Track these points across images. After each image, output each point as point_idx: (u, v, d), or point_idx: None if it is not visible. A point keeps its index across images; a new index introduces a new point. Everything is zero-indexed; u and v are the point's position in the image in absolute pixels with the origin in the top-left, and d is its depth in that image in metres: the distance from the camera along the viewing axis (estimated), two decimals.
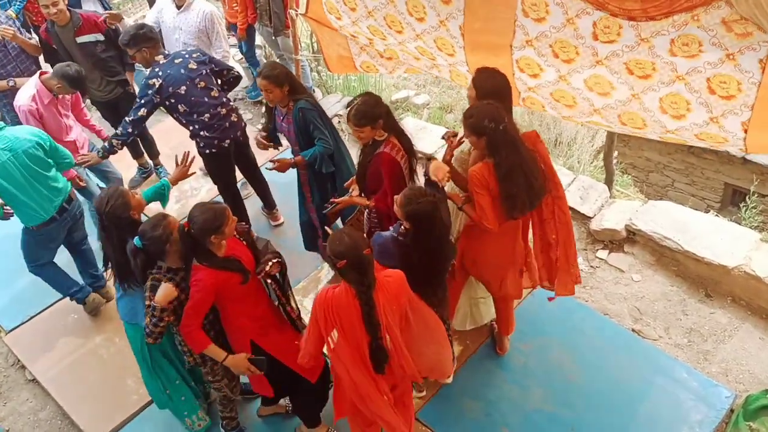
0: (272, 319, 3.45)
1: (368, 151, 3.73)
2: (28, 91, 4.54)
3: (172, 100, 4.49)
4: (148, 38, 4.48)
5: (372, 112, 3.55)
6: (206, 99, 4.58)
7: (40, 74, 4.63)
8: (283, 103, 4.16)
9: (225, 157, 4.88)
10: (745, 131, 3.15)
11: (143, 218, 3.69)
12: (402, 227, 3.23)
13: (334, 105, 6.82)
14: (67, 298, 4.93)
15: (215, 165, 4.94)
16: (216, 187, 5.22)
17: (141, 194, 3.72)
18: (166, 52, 4.62)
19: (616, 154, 5.53)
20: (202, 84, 4.56)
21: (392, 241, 3.27)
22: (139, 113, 4.48)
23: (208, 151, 4.79)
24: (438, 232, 3.17)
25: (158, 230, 3.11)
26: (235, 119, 4.79)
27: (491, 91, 3.48)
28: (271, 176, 4.83)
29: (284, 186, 5.31)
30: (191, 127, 4.66)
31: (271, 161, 4.24)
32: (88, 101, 5.67)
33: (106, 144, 4.64)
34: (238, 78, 4.90)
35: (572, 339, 4.39)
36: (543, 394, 4.09)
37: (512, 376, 4.21)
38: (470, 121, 3.29)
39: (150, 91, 4.42)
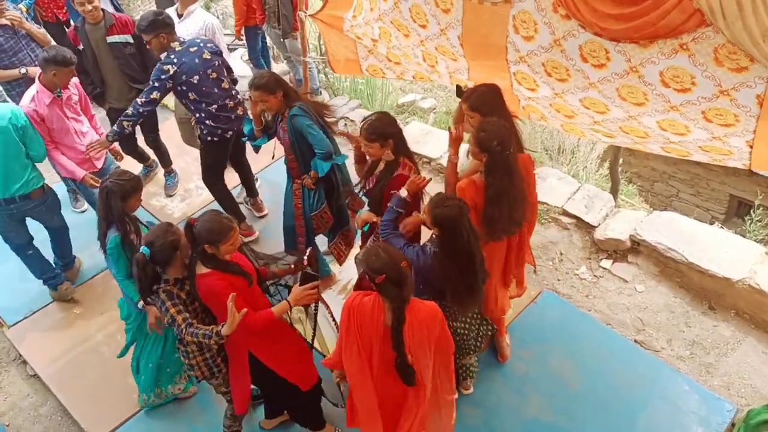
0: (270, 329, 3.42)
1: (385, 172, 3.75)
2: (29, 92, 4.53)
3: (184, 88, 4.59)
4: (165, 24, 4.53)
5: (384, 131, 3.59)
6: (216, 90, 4.68)
7: (39, 74, 4.56)
8: (280, 110, 4.14)
9: (224, 147, 4.96)
10: (750, 147, 3.13)
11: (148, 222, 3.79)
12: (432, 236, 3.29)
13: (342, 107, 6.83)
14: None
15: (213, 153, 5.01)
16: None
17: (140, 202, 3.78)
18: (182, 39, 4.67)
19: (621, 163, 5.52)
20: (214, 75, 4.66)
21: (432, 258, 3.26)
22: (152, 96, 4.54)
23: (209, 139, 4.87)
24: (466, 236, 3.16)
25: (168, 236, 3.12)
26: (241, 112, 4.87)
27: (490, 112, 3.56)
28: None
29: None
30: (197, 114, 4.74)
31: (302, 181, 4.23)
32: (103, 112, 5.63)
33: (115, 127, 4.69)
34: (234, 82, 4.94)
35: (574, 348, 4.37)
36: (543, 403, 4.08)
37: (512, 383, 4.20)
38: (481, 136, 3.37)
39: (164, 76, 4.50)
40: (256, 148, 4.59)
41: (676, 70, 2.89)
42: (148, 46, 4.79)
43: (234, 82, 4.93)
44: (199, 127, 4.85)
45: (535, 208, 3.81)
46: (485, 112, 3.59)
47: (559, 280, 4.94)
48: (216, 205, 5.36)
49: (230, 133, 4.86)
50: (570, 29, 3.10)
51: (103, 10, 5.09)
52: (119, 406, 4.27)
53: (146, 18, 4.53)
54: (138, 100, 4.60)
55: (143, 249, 3.14)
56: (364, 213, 3.95)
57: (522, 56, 3.50)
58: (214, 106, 4.70)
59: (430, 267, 3.25)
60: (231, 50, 8.32)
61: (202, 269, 3.12)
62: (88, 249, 5.41)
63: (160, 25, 4.52)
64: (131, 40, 5.12)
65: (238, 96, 4.89)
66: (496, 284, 3.88)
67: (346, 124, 6.59)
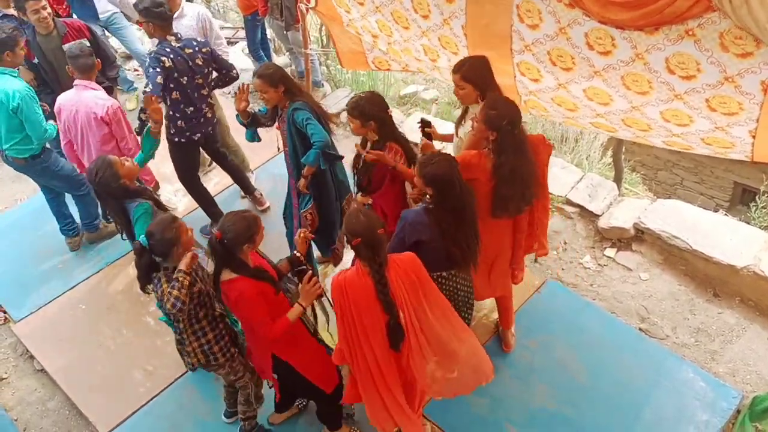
0: (294, 331, 3.42)
1: (373, 148, 3.80)
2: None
3: (171, 85, 4.56)
4: (159, 16, 4.48)
5: (366, 110, 3.62)
6: (197, 95, 4.69)
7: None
8: (280, 104, 4.12)
9: (192, 148, 4.97)
10: (753, 137, 3.12)
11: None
12: (427, 196, 3.30)
13: (343, 99, 6.80)
14: (73, 290, 5.08)
15: (180, 154, 5.02)
16: (223, 181, 5.25)
17: (132, 162, 3.84)
18: (179, 36, 4.63)
19: (624, 151, 5.50)
20: (200, 81, 4.66)
21: (424, 213, 3.31)
22: (157, 80, 4.50)
23: (176, 140, 4.87)
24: (459, 191, 3.19)
25: (168, 233, 3.14)
26: (210, 115, 4.88)
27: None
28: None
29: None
30: (171, 112, 4.72)
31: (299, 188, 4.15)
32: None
33: (139, 121, 4.74)
34: (235, 79, 4.91)
35: (578, 337, 4.38)
36: (548, 392, 4.09)
37: (517, 373, 4.21)
38: (491, 114, 3.33)
39: (160, 65, 4.45)
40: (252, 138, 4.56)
41: (682, 56, 2.87)
42: (138, 26, 4.78)
43: (233, 79, 4.90)
44: (168, 125, 4.81)
45: (547, 191, 3.77)
46: (478, 83, 3.60)
47: (563, 269, 4.94)
48: (217, 199, 5.39)
49: (198, 135, 4.85)
50: (575, 17, 3.09)
51: (53, 18, 5.00)
52: (126, 399, 4.30)
53: (146, 1, 4.49)
54: (146, 90, 4.55)
55: (141, 239, 3.19)
56: (359, 196, 3.98)
57: (527, 45, 3.49)
58: (191, 108, 4.72)
59: (428, 224, 3.27)
60: (232, 43, 8.31)
61: (228, 275, 3.10)
62: (92, 246, 5.46)
63: (152, 15, 4.47)
64: (88, 44, 4.95)
65: (212, 100, 4.92)
66: (500, 265, 3.87)
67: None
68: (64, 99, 4.53)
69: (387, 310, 2.95)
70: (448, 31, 3.88)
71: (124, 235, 3.88)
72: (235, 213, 3.16)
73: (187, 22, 5.29)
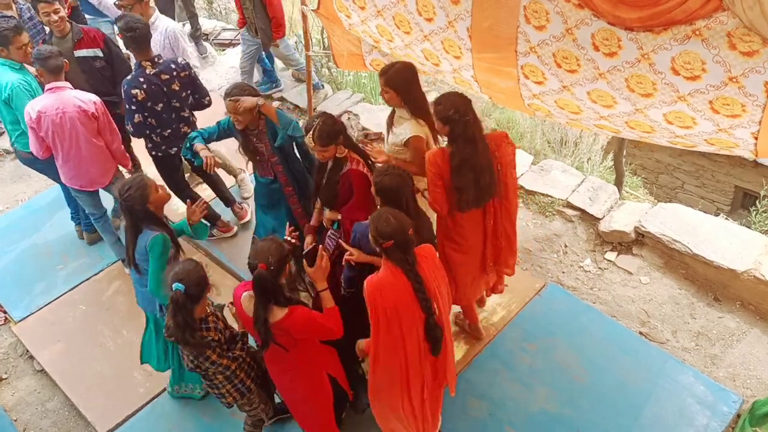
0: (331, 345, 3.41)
1: (335, 170, 3.78)
2: None
3: (146, 114, 4.55)
4: (133, 41, 4.42)
5: (334, 130, 3.63)
6: (174, 116, 4.69)
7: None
8: (253, 124, 4.07)
9: (170, 161, 4.94)
10: (756, 138, 3.12)
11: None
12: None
13: (344, 102, 6.82)
14: (73, 291, 5.09)
15: (161, 167, 5.03)
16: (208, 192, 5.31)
17: (163, 189, 3.65)
18: (156, 59, 4.53)
19: (625, 154, 5.50)
20: (177, 105, 4.65)
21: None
22: (135, 120, 4.54)
23: (154, 153, 4.89)
24: (404, 206, 3.22)
25: (199, 272, 3.03)
26: (187, 130, 4.78)
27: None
28: None
29: None
30: (147, 131, 4.68)
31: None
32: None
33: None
34: (206, 106, 4.91)
35: (579, 340, 4.38)
36: (548, 395, 4.08)
37: (518, 376, 4.20)
38: (438, 108, 3.51)
39: (134, 100, 4.45)
40: (197, 166, 4.40)
41: (689, 56, 2.87)
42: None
43: (206, 106, 4.89)
44: (145, 140, 4.80)
45: (513, 195, 3.78)
46: (401, 87, 3.82)
47: (563, 272, 4.94)
48: (216, 203, 5.39)
49: (174, 150, 4.84)
50: (583, 18, 3.09)
51: (70, 22, 5.01)
52: (126, 399, 4.30)
53: (121, 22, 4.47)
54: (128, 128, 4.61)
55: (177, 286, 2.97)
56: (328, 212, 3.95)
57: (532, 46, 3.49)
58: (168, 130, 4.72)
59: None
60: (233, 46, 8.33)
61: (280, 312, 3.01)
62: (92, 247, 5.47)
63: (126, 39, 4.43)
64: (100, 54, 5.02)
65: (192, 118, 4.88)
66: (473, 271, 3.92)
67: (349, 117, 6.59)
68: (43, 104, 4.35)
69: (425, 309, 2.95)
70: (452, 34, 3.88)
71: (126, 259, 3.69)
72: (269, 241, 3.04)
73: (156, 37, 5.22)
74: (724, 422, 3.87)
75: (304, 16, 5.51)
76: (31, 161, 4.88)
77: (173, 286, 2.97)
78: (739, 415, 3.92)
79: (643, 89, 3.20)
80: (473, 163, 3.47)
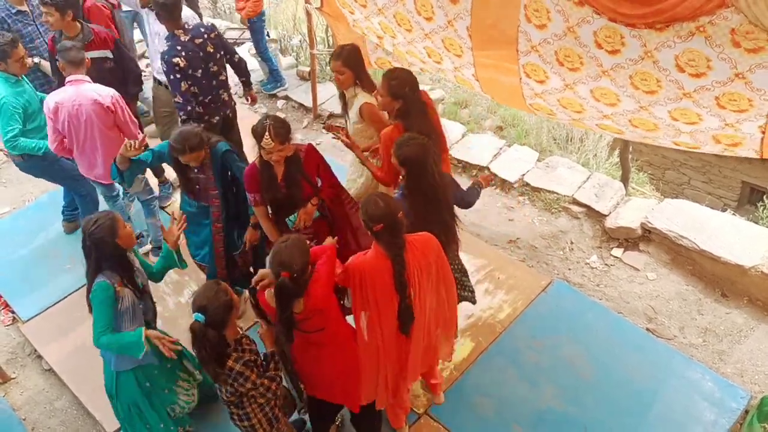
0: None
1: (293, 165, 3.70)
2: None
3: (189, 82, 4.57)
4: (165, 8, 4.51)
5: (287, 126, 3.60)
6: (214, 83, 4.69)
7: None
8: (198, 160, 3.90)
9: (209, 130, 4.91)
10: (763, 132, 3.10)
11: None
12: (401, 178, 3.47)
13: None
14: (80, 291, 4.97)
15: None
16: None
17: (132, 227, 3.50)
18: (188, 26, 4.62)
19: (631, 150, 5.48)
20: (215, 69, 4.65)
21: (402, 200, 3.41)
22: (182, 88, 4.54)
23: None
24: (431, 171, 3.33)
25: (220, 297, 2.91)
26: (227, 98, 4.87)
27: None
28: None
29: None
30: (187, 104, 4.65)
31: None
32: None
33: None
34: (240, 64, 4.95)
35: (585, 337, 4.36)
36: (555, 393, 4.08)
37: (524, 373, 4.20)
38: (393, 84, 3.72)
39: (177, 68, 4.49)
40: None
41: (692, 53, 2.86)
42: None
43: (235, 64, 4.93)
44: (181, 113, 4.74)
45: (445, 140, 4.10)
46: (356, 66, 4.07)
47: (569, 269, 4.93)
48: None
49: (216, 119, 4.86)
50: (584, 15, 3.07)
51: (81, 24, 5.03)
52: None
53: None
54: (175, 100, 4.63)
55: (196, 317, 2.86)
56: (302, 210, 3.82)
57: (534, 45, 3.47)
58: (209, 97, 4.72)
59: (405, 210, 3.31)
60: (238, 45, 8.34)
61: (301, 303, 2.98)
62: None
63: (159, 6, 4.51)
64: (110, 55, 5.03)
65: (228, 82, 4.91)
66: None
67: None
68: (61, 96, 4.41)
69: (400, 291, 3.02)
70: (452, 33, 3.87)
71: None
72: (287, 242, 2.95)
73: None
74: (732, 418, 3.86)
75: (308, 15, 5.52)
76: (23, 165, 4.92)
77: (193, 316, 2.86)
78: (747, 411, 3.90)
79: (647, 86, 3.18)
80: (428, 129, 3.72)
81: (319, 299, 2.97)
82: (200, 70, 4.58)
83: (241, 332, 3.15)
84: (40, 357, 4.76)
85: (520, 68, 3.73)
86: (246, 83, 5.17)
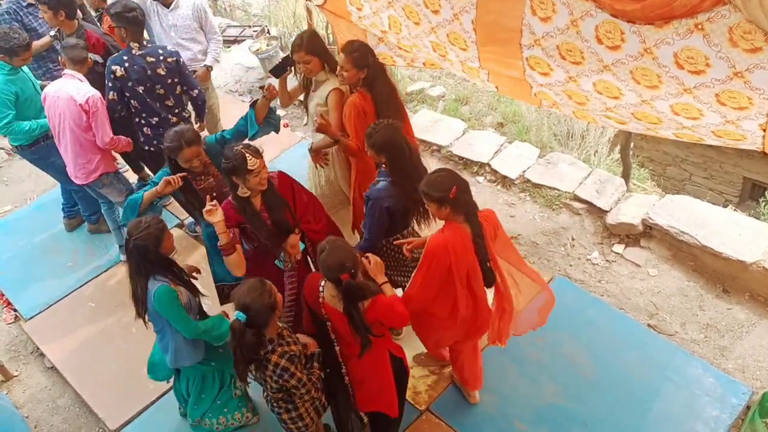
0: None
1: (270, 194, 3.55)
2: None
3: (127, 94, 4.60)
4: (130, 21, 4.51)
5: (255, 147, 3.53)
6: (158, 105, 4.70)
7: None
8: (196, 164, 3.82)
9: (162, 158, 4.86)
10: (764, 130, 3.10)
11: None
12: (382, 166, 3.61)
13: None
14: (82, 288, 5.15)
15: (153, 163, 5.02)
16: None
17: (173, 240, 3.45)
18: (145, 43, 4.63)
19: (632, 147, 5.47)
20: (162, 91, 4.66)
21: (389, 185, 3.56)
22: (110, 97, 4.60)
23: (146, 148, 4.91)
24: (406, 149, 3.52)
25: (264, 298, 2.86)
26: (177, 123, 4.75)
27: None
28: None
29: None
30: (137, 120, 4.75)
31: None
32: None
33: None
34: (196, 101, 4.90)
35: (587, 333, 4.37)
36: (556, 389, 4.08)
37: (526, 369, 4.20)
38: (355, 56, 3.91)
39: (112, 76, 4.52)
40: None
41: (691, 51, 2.85)
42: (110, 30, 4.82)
43: (194, 99, 4.89)
44: (138, 133, 4.84)
45: (404, 108, 4.35)
46: (321, 52, 4.12)
47: (571, 265, 4.93)
48: None
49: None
50: (587, 9, 3.07)
51: (79, 21, 5.08)
52: (136, 396, 4.33)
53: (118, 5, 4.54)
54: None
55: (237, 315, 2.83)
56: (291, 237, 3.66)
57: (537, 39, 3.47)
58: (155, 118, 4.73)
59: (394, 195, 3.55)
60: (239, 42, 8.35)
61: (363, 306, 3.00)
62: (100, 243, 5.49)
63: (124, 20, 4.51)
64: (99, 59, 5.03)
65: (184, 113, 4.90)
66: None
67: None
68: (49, 88, 4.55)
69: (480, 253, 3.23)
70: (457, 27, 3.87)
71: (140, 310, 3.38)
72: (336, 251, 2.93)
73: (183, 12, 5.34)
74: (734, 414, 3.86)
75: (309, 12, 5.52)
76: (20, 153, 5.08)
77: (235, 314, 2.84)
78: (748, 407, 3.91)
79: (648, 81, 3.18)
80: (390, 92, 4.02)
81: (381, 310, 3.02)
82: (142, 87, 4.58)
83: (281, 325, 3.10)
84: (42, 355, 4.77)
85: (524, 62, 3.72)
86: (198, 116, 5.12)
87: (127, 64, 4.51)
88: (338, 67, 4.03)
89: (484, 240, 3.22)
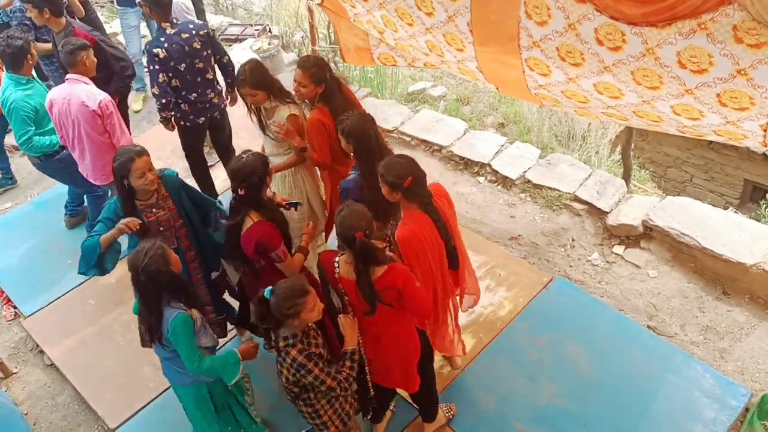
0: None
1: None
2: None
3: (170, 74, 4.64)
4: (155, 3, 4.59)
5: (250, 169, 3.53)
6: (199, 79, 4.76)
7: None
8: (145, 194, 3.56)
9: (197, 132, 5.06)
10: (765, 130, 3.10)
11: None
12: (351, 156, 3.69)
13: None
14: (82, 286, 5.14)
15: (186, 137, 5.12)
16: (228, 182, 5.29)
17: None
18: (175, 21, 4.71)
19: (633, 148, 5.47)
20: (201, 65, 4.71)
21: (358, 177, 3.65)
22: (160, 80, 4.62)
23: (182, 123, 4.96)
24: (374, 137, 3.60)
25: (289, 305, 2.90)
26: (216, 101, 4.95)
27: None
28: None
29: None
30: (174, 99, 4.80)
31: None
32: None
33: (161, 121, 4.90)
34: (229, 66, 4.98)
35: (586, 334, 4.37)
36: (556, 389, 4.08)
37: (525, 370, 4.20)
38: (314, 71, 3.93)
39: (156, 59, 4.57)
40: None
41: (694, 50, 2.85)
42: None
43: (224, 66, 4.98)
44: (174, 110, 4.88)
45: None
46: (263, 84, 4.03)
47: (571, 266, 4.93)
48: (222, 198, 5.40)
49: (202, 120, 4.96)
50: (585, 13, 3.06)
51: (68, 19, 5.11)
52: (135, 394, 4.33)
53: None
54: (153, 91, 4.71)
55: (266, 293, 2.94)
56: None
57: (535, 41, 3.47)
58: (194, 94, 4.79)
59: (361, 186, 3.61)
60: (240, 41, 8.35)
61: (378, 273, 3.01)
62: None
63: (150, 1, 4.60)
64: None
65: (218, 85, 4.99)
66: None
67: None
68: (55, 94, 4.51)
69: (444, 235, 3.30)
70: (453, 28, 3.87)
71: (147, 336, 3.25)
72: (351, 211, 3.00)
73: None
74: (733, 416, 3.86)
75: (310, 11, 5.52)
76: (40, 165, 5.02)
77: (264, 292, 2.94)
78: (747, 409, 3.90)
79: (649, 82, 3.18)
80: (349, 107, 3.96)
81: (398, 275, 3.02)
82: (183, 64, 4.64)
83: (310, 325, 3.10)
84: (42, 352, 4.78)
85: (523, 62, 3.72)
86: (230, 84, 5.12)
87: (166, 45, 4.56)
88: (295, 83, 4.01)
89: (444, 222, 3.32)
